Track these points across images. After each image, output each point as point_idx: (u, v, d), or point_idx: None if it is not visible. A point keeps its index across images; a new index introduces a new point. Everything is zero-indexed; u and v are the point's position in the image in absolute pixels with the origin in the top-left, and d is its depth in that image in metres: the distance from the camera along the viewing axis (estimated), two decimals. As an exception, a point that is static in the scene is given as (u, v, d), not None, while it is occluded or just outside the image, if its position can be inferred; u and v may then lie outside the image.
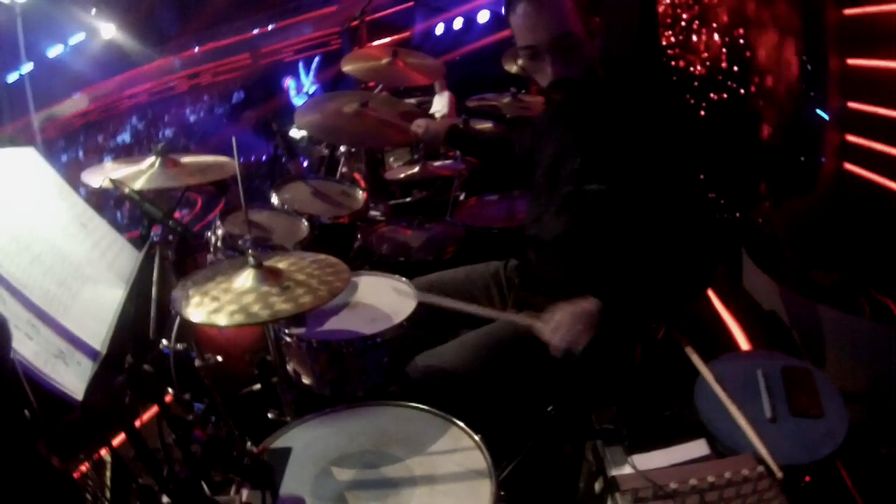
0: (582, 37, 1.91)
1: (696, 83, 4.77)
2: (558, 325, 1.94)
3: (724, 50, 4.59)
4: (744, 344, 3.35)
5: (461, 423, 1.78)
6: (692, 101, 4.62)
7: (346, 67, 3.46)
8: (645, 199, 1.93)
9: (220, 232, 2.62)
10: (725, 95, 4.55)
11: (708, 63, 4.73)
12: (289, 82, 8.11)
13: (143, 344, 1.68)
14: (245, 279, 1.69)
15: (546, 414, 2.09)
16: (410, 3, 7.80)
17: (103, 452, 1.60)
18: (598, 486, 1.77)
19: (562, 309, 1.96)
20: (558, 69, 1.93)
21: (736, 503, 1.57)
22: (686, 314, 2.33)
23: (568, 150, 2.12)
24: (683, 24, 4.90)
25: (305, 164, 4.51)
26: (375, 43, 6.20)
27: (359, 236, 3.15)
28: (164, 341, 1.84)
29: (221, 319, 1.57)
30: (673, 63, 4.94)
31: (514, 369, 2.10)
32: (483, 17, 7.36)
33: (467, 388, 2.05)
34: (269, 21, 8.36)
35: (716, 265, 2.14)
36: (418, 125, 2.80)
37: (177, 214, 2.40)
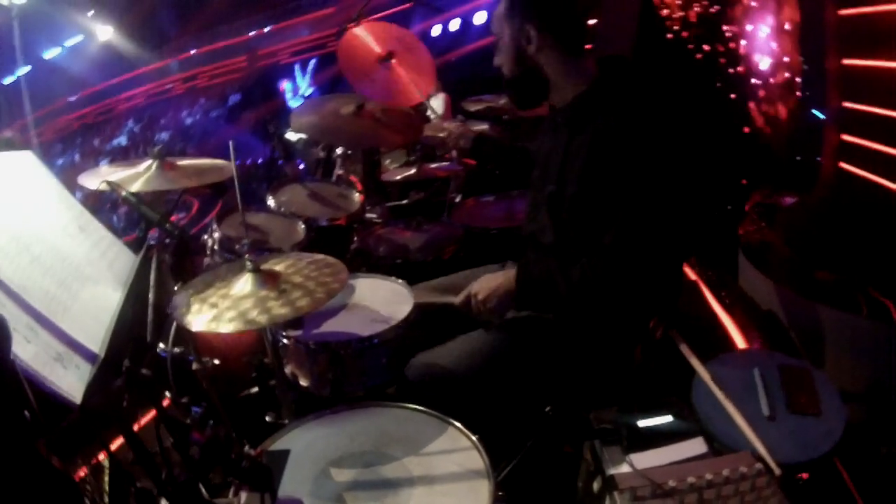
0: (503, 39, 2.11)
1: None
2: (478, 290, 2.15)
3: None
4: (741, 343, 3.35)
5: (459, 424, 1.78)
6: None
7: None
8: (613, 208, 1.93)
9: (216, 235, 2.62)
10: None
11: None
12: (285, 85, 8.10)
13: (140, 347, 1.68)
14: (243, 284, 1.69)
15: (544, 414, 2.10)
16: (408, 5, 7.80)
17: (102, 457, 1.60)
18: (596, 486, 1.77)
19: (481, 279, 2.19)
20: (495, 60, 2.18)
21: (734, 500, 1.58)
22: (683, 313, 2.33)
23: (557, 149, 2.13)
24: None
25: (302, 166, 4.50)
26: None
27: (356, 238, 3.14)
28: (162, 345, 1.84)
29: (220, 326, 1.57)
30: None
31: (512, 369, 2.10)
32: (480, 18, 7.35)
33: (465, 389, 2.05)
34: (266, 23, 8.35)
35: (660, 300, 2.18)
36: (446, 130, 2.84)
37: (174, 217, 2.40)
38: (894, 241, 3.04)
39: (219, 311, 1.60)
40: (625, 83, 2.05)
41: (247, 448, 1.66)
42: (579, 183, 1.98)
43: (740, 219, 4.09)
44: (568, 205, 2.02)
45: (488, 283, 2.14)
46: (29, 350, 1.24)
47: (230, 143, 2.09)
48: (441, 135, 2.84)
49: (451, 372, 2.07)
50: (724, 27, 4.67)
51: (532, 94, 2.19)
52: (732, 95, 4.58)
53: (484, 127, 3.81)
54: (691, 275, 3.92)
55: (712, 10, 4.83)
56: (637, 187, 1.89)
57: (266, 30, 8.39)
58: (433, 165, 3.77)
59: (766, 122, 4.44)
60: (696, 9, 4.86)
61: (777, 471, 1.65)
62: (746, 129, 4.53)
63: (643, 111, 1.98)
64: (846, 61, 3.50)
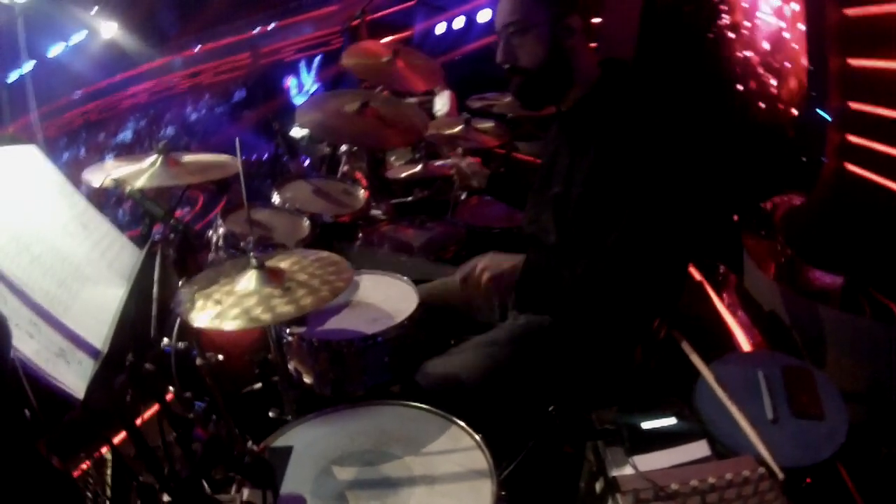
0: (535, 27, 1.97)
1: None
2: (485, 266, 2.11)
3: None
4: (745, 344, 3.35)
5: (462, 423, 1.78)
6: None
7: (347, 61, 3.46)
8: (618, 210, 1.91)
9: (221, 230, 2.62)
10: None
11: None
12: (290, 81, 8.10)
13: (144, 343, 1.68)
14: (247, 281, 1.68)
15: (547, 414, 2.10)
16: (411, 3, 7.79)
17: (104, 451, 1.60)
18: (598, 487, 1.77)
19: (490, 255, 2.15)
20: (501, 54, 2.04)
21: (737, 504, 1.58)
22: (686, 314, 2.33)
23: (562, 150, 2.13)
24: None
25: (307, 162, 4.50)
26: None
27: (360, 235, 3.14)
28: (166, 340, 1.84)
29: (224, 324, 1.56)
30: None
31: (521, 376, 2.10)
32: (484, 16, 7.35)
33: (477, 398, 2.04)
34: (270, 20, 8.35)
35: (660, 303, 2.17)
36: (457, 170, 2.72)
37: (178, 213, 2.40)
38: (896, 242, 3.04)
39: (223, 309, 1.60)
40: (629, 85, 2.04)
41: (249, 444, 1.66)
42: (585, 185, 1.97)
43: (746, 220, 4.09)
44: (574, 206, 2.01)
45: (498, 261, 2.11)
46: (31, 345, 1.24)
47: (236, 139, 2.09)
48: (451, 172, 2.73)
49: (464, 382, 2.06)
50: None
51: (553, 90, 2.09)
52: (741, 54, 4.56)
53: (489, 125, 3.79)
54: (695, 275, 3.91)
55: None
56: (642, 190, 1.89)
57: (270, 27, 8.39)
58: (438, 163, 3.77)
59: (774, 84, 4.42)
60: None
61: (780, 475, 1.65)
62: (753, 85, 4.53)
63: (648, 114, 1.97)
64: (849, 61, 3.50)
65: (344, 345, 2.16)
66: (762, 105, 4.48)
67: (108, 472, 1.63)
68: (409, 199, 3.98)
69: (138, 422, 1.47)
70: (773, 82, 4.39)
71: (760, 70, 4.48)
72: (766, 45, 4.42)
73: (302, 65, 8.22)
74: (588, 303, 2.01)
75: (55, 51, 6.81)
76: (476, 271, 2.12)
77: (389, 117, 2.94)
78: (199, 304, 1.63)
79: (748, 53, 4.56)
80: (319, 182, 3.19)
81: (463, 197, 3.58)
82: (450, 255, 3.00)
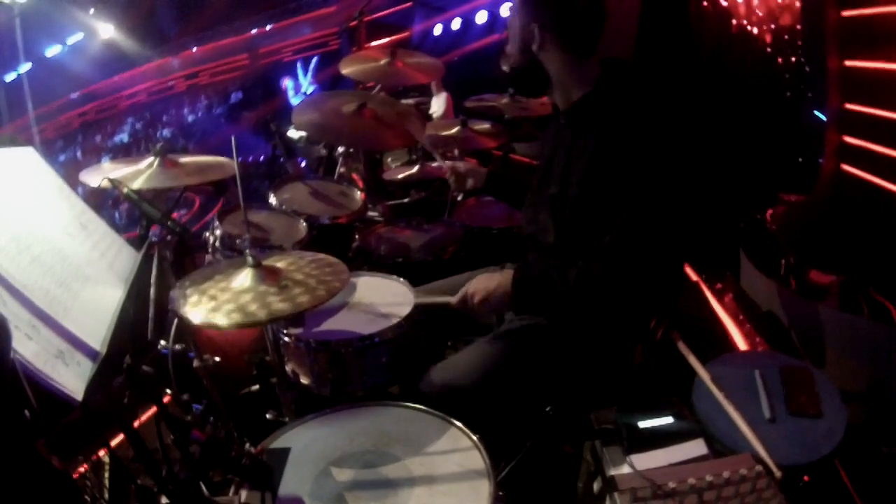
0: (516, 27, 2.08)
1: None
2: (474, 291, 2.13)
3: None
4: (742, 344, 3.35)
5: (460, 424, 1.78)
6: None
7: (345, 70, 3.45)
8: (615, 210, 1.91)
9: (218, 232, 2.61)
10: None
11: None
12: (287, 83, 8.11)
13: (141, 344, 1.68)
14: (243, 278, 1.68)
15: (545, 414, 2.10)
16: (409, 4, 7.81)
17: (102, 453, 1.60)
18: (596, 486, 1.77)
19: (478, 279, 2.16)
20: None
21: (734, 502, 1.58)
22: (683, 314, 2.33)
23: (559, 151, 2.13)
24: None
25: (303, 164, 4.51)
26: (374, 43, 6.19)
27: (357, 237, 3.14)
28: (163, 342, 1.84)
29: (219, 319, 1.56)
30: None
31: (521, 379, 2.10)
32: (481, 17, 7.37)
33: (477, 402, 2.04)
34: (268, 21, 8.36)
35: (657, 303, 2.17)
36: (452, 171, 2.68)
37: (175, 214, 2.40)
38: (894, 242, 3.05)
39: (217, 304, 1.60)
40: (627, 86, 2.04)
41: (247, 446, 1.65)
42: (582, 185, 1.97)
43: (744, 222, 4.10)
44: (570, 206, 2.01)
45: (485, 283, 2.13)
46: (30, 347, 1.24)
47: (232, 140, 2.09)
48: (447, 176, 2.69)
49: (465, 389, 2.06)
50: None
51: (533, 87, 2.24)
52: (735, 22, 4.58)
53: (486, 126, 3.80)
54: (692, 275, 3.92)
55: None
56: (639, 190, 1.89)
57: (268, 28, 8.39)
58: (435, 164, 3.77)
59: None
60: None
61: (777, 473, 1.65)
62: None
63: (646, 114, 1.97)
64: (847, 62, 3.50)
65: (342, 345, 2.16)
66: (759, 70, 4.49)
67: (106, 474, 1.63)
68: (406, 200, 3.98)
69: (136, 424, 1.46)
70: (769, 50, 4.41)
71: (755, 32, 4.48)
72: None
73: (299, 66, 8.22)
74: (585, 304, 2.01)
75: (52, 51, 6.81)
76: (468, 296, 2.15)
77: (387, 118, 2.93)
78: (194, 298, 1.63)
79: (744, 21, 4.58)
80: (316, 183, 3.19)
81: (460, 198, 3.58)
82: (448, 255, 2.99)
